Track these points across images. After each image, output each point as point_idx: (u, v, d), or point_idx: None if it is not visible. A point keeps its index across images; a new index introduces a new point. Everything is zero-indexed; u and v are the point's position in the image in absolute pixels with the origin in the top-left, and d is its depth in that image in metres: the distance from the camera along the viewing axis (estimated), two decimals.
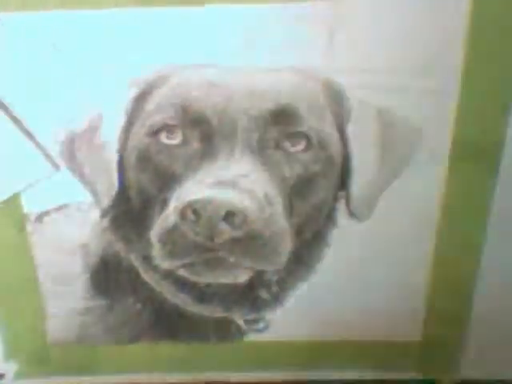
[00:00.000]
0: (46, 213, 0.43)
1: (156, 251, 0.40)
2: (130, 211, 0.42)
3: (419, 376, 0.50)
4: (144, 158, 0.40)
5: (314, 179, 0.40)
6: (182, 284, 0.44)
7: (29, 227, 0.44)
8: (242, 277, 0.41)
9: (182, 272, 0.41)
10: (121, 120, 0.40)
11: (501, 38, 0.37)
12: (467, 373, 0.50)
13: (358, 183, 0.41)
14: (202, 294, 0.45)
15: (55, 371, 0.50)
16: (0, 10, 0.37)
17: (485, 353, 0.49)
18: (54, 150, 0.41)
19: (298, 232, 0.41)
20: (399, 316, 0.47)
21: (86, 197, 0.42)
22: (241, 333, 0.48)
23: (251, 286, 0.44)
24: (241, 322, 0.48)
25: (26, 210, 0.43)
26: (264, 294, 0.46)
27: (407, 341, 0.49)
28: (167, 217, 0.39)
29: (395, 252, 0.44)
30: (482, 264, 0.45)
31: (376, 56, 0.38)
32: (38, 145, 0.41)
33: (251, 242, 0.38)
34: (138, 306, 0.47)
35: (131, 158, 0.41)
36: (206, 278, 0.42)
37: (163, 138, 0.40)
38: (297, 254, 0.42)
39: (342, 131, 0.41)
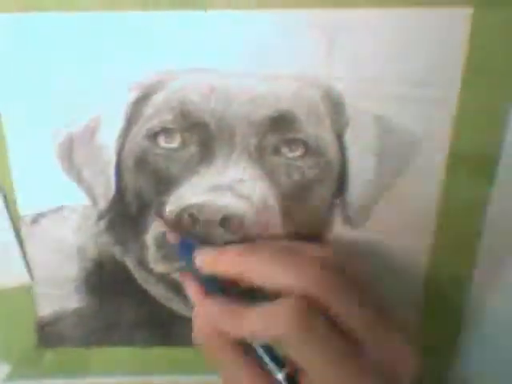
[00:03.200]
0: (42, 215, 0.43)
1: (151, 254, 0.40)
2: (126, 214, 0.42)
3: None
4: (141, 161, 0.40)
5: (311, 185, 0.41)
6: (176, 288, 0.44)
7: (24, 229, 0.43)
8: None
9: (176, 275, 0.42)
10: (119, 123, 0.40)
11: (500, 51, 0.38)
12: (464, 377, 0.50)
13: (355, 190, 0.41)
14: None
15: (47, 373, 0.49)
16: (2, 10, 0.37)
17: (481, 358, 0.49)
18: (52, 152, 0.41)
19: (294, 238, 0.41)
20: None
21: (82, 199, 0.42)
22: None
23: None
24: None
25: (21, 211, 0.43)
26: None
27: None
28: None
29: (390, 260, 0.45)
30: (477, 269, 0.45)
31: (375, 65, 0.38)
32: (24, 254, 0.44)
33: None
34: (132, 308, 0.47)
35: (129, 161, 0.41)
36: None
37: (161, 141, 0.40)
38: None
39: (339, 138, 0.41)
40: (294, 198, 0.40)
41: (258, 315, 0.32)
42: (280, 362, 0.32)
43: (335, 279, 0.32)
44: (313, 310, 0.31)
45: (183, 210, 0.37)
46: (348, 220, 0.43)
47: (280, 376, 0.32)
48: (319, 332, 0.30)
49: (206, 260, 0.36)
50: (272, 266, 0.33)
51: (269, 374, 0.33)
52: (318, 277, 0.32)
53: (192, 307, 0.43)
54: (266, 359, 0.33)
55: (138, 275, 0.45)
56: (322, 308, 0.31)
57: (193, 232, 0.37)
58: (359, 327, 0.31)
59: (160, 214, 0.39)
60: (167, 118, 0.39)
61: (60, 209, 0.43)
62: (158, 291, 0.45)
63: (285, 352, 0.32)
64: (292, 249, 0.36)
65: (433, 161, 0.41)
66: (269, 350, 0.33)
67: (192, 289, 0.37)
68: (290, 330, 0.30)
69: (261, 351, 0.33)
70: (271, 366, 0.33)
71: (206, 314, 0.35)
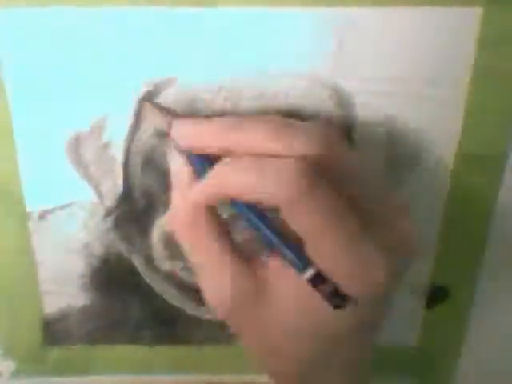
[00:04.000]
0: (49, 211, 0.43)
1: (157, 252, 0.40)
2: (133, 212, 0.42)
3: (416, 382, 0.50)
4: (149, 159, 0.40)
5: None
6: (183, 286, 0.44)
7: (31, 225, 0.43)
8: None
9: (182, 274, 0.42)
10: (127, 120, 0.40)
11: (509, 51, 0.38)
12: (465, 378, 0.50)
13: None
14: (202, 297, 0.45)
15: (53, 370, 0.49)
16: (6, 5, 0.37)
17: (483, 358, 0.49)
18: (60, 148, 0.41)
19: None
20: (397, 320, 0.48)
21: (90, 196, 0.42)
22: None
23: None
24: None
25: (28, 207, 0.43)
26: None
27: (404, 345, 0.49)
28: None
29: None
30: (482, 270, 0.45)
31: (385, 65, 0.38)
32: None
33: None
34: (138, 306, 0.47)
35: (137, 159, 0.41)
36: None
37: (169, 139, 0.40)
38: None
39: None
40: None
41: (256, 169, 0.28)
42: (305, 259, 0.29)
43: (341, 143, 0.30)
44: (316, 170, 0.27)
45: None
46: None
47: (308, 274, 0.28)
48: (324, 192, 0.27)
49: (183, 132, 0.32)
50: (266, 137, 0.29)
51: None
52: (324, 137, 0.29)
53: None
54: (287, 252, 0.29)
55: (145, 273, 0.45)
56: (326, 172, 0.28)
57: None
58: (367, 194, 0.30)
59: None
60: (175, 114, 0.39)
61: (68, 205, 0.43)
62: (164, 289, 0.45)
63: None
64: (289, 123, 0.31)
65: (441, 160, 0.41)
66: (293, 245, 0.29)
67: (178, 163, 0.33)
68: (292, 190, 0.26)
69: (279, 242, 0.29)
70: (295, 261, 0.29)
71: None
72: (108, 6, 0.37)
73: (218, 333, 0.48)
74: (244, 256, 0.32)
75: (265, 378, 0.49)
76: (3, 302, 0.46)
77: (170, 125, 0.33)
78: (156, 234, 0.40)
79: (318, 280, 0.28)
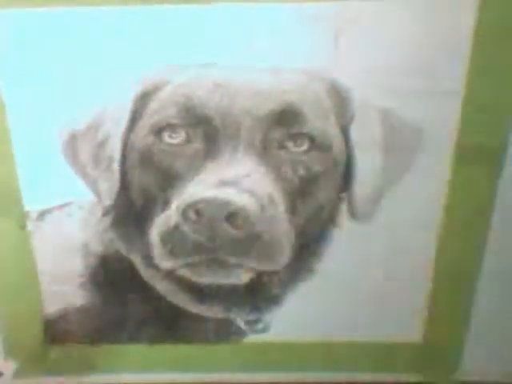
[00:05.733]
0: (48, 211, 0.43)
1: (156, 251, 0.40)
2: (131, 210, 0.42)
3: (419, 378, 0.50)
4: (147, 157, 0.40)
5: (316, 180, 0.40)
6: (183, 284, 0.44)
7: (30, 225, 0.43)
8: (244, 278, 0.41)
9: (182, 272, 0.41)
10: (124, 119, 0.40)
11: (506, 40, 0.37)
12: (467, 375, 0.50)
13: (361, 184, 0.41)
14: (203, 295, 0.45)
15: (54, 370, 0.49)
16: (3, 6, 0.37)
17: (485, 355, 0.49)
18: (58, 148, 0.41)
19: (300, 233, 0.41)
20: (400, 317, 0.47)
21: (88, 195, 0.42)
22: (241, 334, 0.48)
23: (252, 287, 0.44)
24: (241, 323, 0.48)
25: (27, 207, 0.43)
26: (264, 295, 0.46)
27: (408, 342, 0.48)
28: (169, 216, 0.39)
29: (396, 253, 0.44)
30: (483, 265, 0.45)
31: (380, 58, 0.38)
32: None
33: (253, 242, 0.38)
34: (138, 305, 0.47)
35: (134, 157, 0.41)
36: (206, 279, 0.42)
37: (166, 137, 0.40)
38: (297, 255, 0.42)
39: (345, 132, 0.41)
40: (299, 192, 0.40)
41: None
42: None
43: None
44: None
45: (189, 205, 0.37)
46: (354, 214, 0.42)
47: None
48: None
49: None
50: None
51: None
52: None
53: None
54: None
55: (144, 271, 0.45)
56: None
57: (198, 227, 0.37)
58: None
59: None
60: (171, 112, 0.39)
61: (66, 205, 0.43)
62: (163, 287, 0.45)
63: None
64: None
65: (440, 153, 0.41)
66: None
67: None
68: None
69: None
70: None
71: None
72: (104, 5, 0.37)
73: (218, 331, 0.48)
74: None
75: (265, 377, 0.49)
76: (3, 301, 0.46)
77: None
78: (155, 233, 0.40)
79: None
